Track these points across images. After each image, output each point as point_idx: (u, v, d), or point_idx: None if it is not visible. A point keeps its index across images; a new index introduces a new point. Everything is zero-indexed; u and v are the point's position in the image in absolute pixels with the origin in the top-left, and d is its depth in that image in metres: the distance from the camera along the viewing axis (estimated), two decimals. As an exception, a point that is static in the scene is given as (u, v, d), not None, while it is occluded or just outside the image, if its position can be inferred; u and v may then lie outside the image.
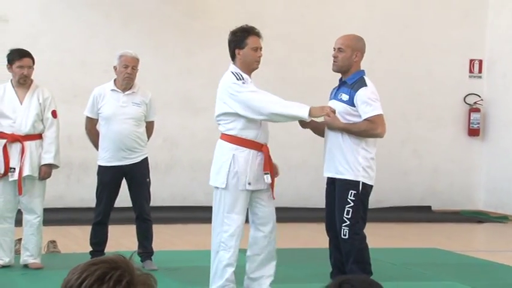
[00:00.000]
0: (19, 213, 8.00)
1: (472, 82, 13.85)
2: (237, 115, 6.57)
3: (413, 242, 10.89)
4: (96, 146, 8.18)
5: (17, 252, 8.07)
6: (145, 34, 12.21)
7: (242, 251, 6.84)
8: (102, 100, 8.04)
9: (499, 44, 13.68)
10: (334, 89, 7.14)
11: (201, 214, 10.98)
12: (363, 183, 6.78)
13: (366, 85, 6.85)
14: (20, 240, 8.12)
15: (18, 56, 7.88)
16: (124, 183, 8.15)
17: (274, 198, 6.81)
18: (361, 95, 6.80)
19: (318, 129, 7.03)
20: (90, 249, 8.10)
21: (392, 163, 13.10)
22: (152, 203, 8.33)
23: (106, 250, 8.08)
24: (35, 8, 11.96)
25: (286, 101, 6.63)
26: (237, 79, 6.59)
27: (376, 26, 13.05)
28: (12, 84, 7.92)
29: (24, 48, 8.08)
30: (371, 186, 6.89)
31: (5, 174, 7.76)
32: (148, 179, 8.17)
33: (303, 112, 6.52)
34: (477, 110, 13.76)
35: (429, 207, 13.62)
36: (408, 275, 8.22)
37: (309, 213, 11.80)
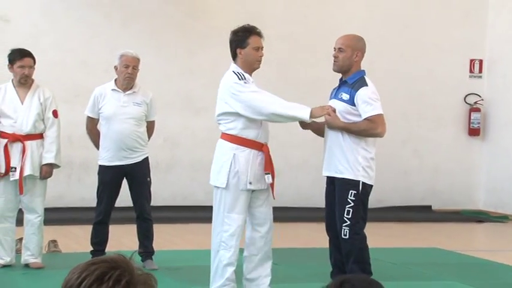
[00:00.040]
0: (20, 212, 8.01)
1: (472, 82, 13.86)
2: (238, 115, 6.57)
3: (413, 241, 10.90)
4: (97, 145, 8.19)
5: (18, 252, 8.09)
6: (147, 34, 12.23)
7: (242, 251, 6.85)
8: (103, 100, 8.05)
9: (499, 44, 13.69)
10: (334, 88, 7.15)
11: (201, 214, 10.99)
12: (362, 183, 6.78)
13: (366, 85, 6.86)
14: (21, 239, 8.13)
15: (19, 55, 7.89)
16: (125, 182, 8.16)
17: (274, 198, 6.83)
18: (361, 94, 6.80)
19: (319, 130, 7.04)
20: (91, 248, 8.11)
21: (392, 163, 13.11)
22: (153, 203, 8.34)
23: (107, 250, 8.08)
24: (36, 8, 11.97)
25: (288, 102, 6.64)
26: (239, 79, 6.59)
27: (377, 26, 13.06)
28: (13, 84, 7.93)
29: (25, 48, 8.09)
30: (371, 186, 6.89)
31: (6, 173, 7.77)
32: (149, 179, 8.18)
33: (304, 113, 6.52)
34: (477, 110, 13.77)
35: (429, 206, 13.63)
36: (408, 275, 8.23)
37: (309, 213, 11.80)
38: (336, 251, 7.00)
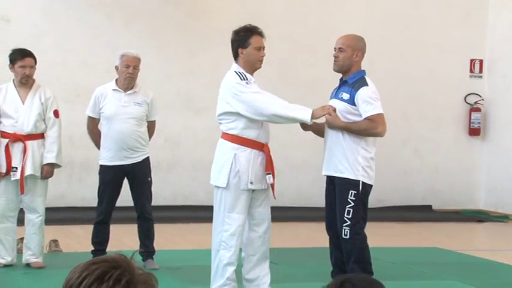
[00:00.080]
0: (21, 212, 8.02)
1: (472, 82, 13.87)
2: (239, 115, 6.57)
3: (414, 241, 10.91)
4: (98, 145, 8.20)
5: (19, 251, 8.10)
6: (147, 34, 12.24)
7: (241, 251, 6.86)
8: (103, 100, 8.06)
9: (499, 44, 13.70)
10: (334, 89, 7.16)
11: (202, 213, 11.00)
12: (362, 182, 6.79)
13: (366, 84, 6.87)
14: (22, 239, 8.14)
15: (20, 55, 7.90)
16: (126, 182, 8.17)
17: (275, 198, 6.83)
18: (362, 94, 6.81)
19: (319, 131, 7.04)
20: (92, 248, 8.12)
21: (393, 163, 13.13)
22: (154, 202, 8.35)
23: (108, 249, 8.09)
24: (37, 8, 11.98)
25: (289, 103, 6.64)
26: (241, 79, 6.59)
27: (377, 26, 13.07)
28: (14, 84, 7.94)
29: (26, 48, 8.10)
30: (370, 186, 6.90)
31: (7, 173, 7.79)
32: (149, 179, 8.19)
33: (305, 115, 6.52)
34: (478, 110, 13.78)
35: (430, 206, 13.64)
36: (409, 274, 8.24)
37: (310, 213, 11.81)
38: (337, 250, 7.01)
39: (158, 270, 7.72)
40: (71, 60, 11.99)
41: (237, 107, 6.55)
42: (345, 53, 6.93)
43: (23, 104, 7.87)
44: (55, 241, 8.97)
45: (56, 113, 7.95)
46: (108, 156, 8.04)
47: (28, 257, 7.92)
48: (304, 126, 6.87)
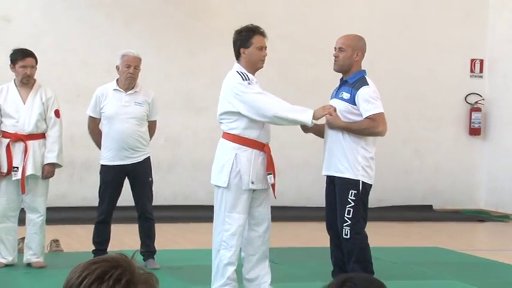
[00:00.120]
0: (22, 212, 8.03)
1: (473, 82, 13.88)
2: (240, 114, 6.55)
3: (414, 241, 10.91)
4: (99, 145, 8.21)
5: (20, 251, 8.10)
6: (148, 34, 12.25)
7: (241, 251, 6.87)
8: (104, 100, 8.07)
9: (499, 44, 13.70)
10: (335, 88, 7.17)
11: (202, 213, 11.00)
12: (362, 182, 6.80)
13: (367, 84, 6.87)
14: (23, 239, 8.15)
15: (21, 55, 7.91)
16: (126, 182, 8.18)
17: (276, 198, 6.83)
18: (362, 93, 6.81)
19: (319, 132, 7.04)
20: (93, 248, 8.12)
21: (393, 162, 13.14)
22: (154, 202, 8.36)
23: (109, 249, 8.09)
24: (37, 8, 12.00)
25: (291, 104, 6.63)
26: (243, 79, 6.58)
27: (377, 26, 13.07)
28: (15, 84, 7.95)
29: (27, 48, 8.11)
30: (370, 186, 6.90)
31: (8, 173, 7.80)
32: (150, 178, 8.19)
33: (306, 117, 6.51)
34: (478, 110, 13.79)
35: (430, 206, 13.65)
36: (409, 274, 8.24)
37: (310, 213, 11.81)
38: (337, 250, 7.01)
39: (159, 270, 7.72)
40: (71, 60, 12.00)
41: (239, 107, 6.54)
42: (345, 52, 6.94)
43: (24, 104, 7.88)
44: (56, 241, 8.98)
45: (57, 113, 7.96)
46: (109, 156, 8.05)
47: (29, 256, 7.92)
48: (305, 128, 6.87)
